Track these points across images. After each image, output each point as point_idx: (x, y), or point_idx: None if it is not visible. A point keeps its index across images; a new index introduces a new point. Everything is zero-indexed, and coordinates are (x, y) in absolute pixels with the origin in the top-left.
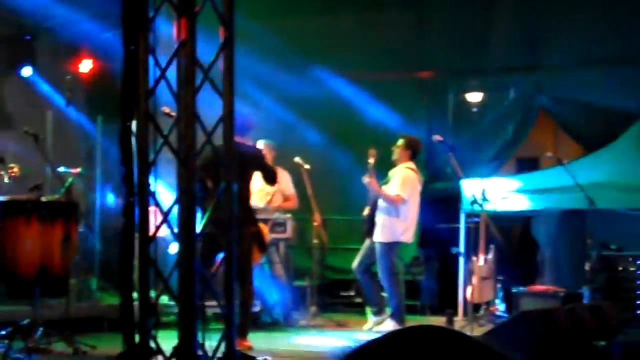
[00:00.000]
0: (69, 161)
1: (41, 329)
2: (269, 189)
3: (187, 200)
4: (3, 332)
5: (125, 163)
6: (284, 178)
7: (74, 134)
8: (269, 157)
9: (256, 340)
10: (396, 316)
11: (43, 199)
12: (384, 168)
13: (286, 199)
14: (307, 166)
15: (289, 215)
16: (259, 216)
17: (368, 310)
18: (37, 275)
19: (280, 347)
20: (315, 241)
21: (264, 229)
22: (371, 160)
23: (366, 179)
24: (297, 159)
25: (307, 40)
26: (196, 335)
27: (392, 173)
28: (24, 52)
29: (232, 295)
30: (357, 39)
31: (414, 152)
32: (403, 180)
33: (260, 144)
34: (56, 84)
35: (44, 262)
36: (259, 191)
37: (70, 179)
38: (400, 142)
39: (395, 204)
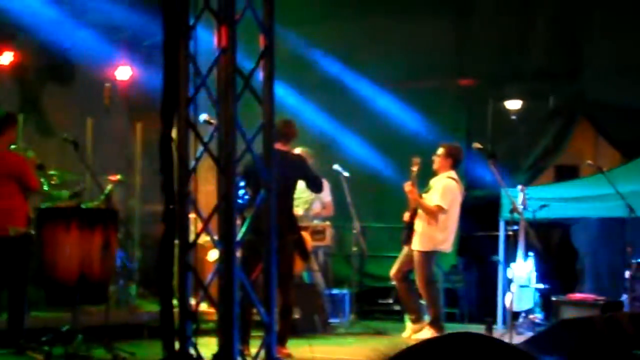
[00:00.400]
0: (109, 168)
1: (80, 335)
2: (307, 196)
3: (227, 208)
4: (43, 339)
5: (165, 170)
6: (323, 186)
7: (114, 141)
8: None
9: (295, 348)
10: (434, 324)
11: (83, 206)
12: (423, 176)
13: (323, 206)
14: (346, 174)
15: (327, 223)
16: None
17: (406, 318)
18: (76, 282)
19: (318, 355)
20: (354, 249)
21: (307, 237)
22: (414, 169)
23: (407, 186)
24: (336, 167)
25: (346, 48)
26: (236, 342)
27: (433, 182)
28: (64, 61)
29: (272, 302)
30: (396, 47)
31: (455, 160)
32: (444, 190)
33: (298, 151)
34: (96, 92)
35: (84, 269)
36: (298, 199)
37: (109, 186)
38: (441, 150)
39: (434, 214)
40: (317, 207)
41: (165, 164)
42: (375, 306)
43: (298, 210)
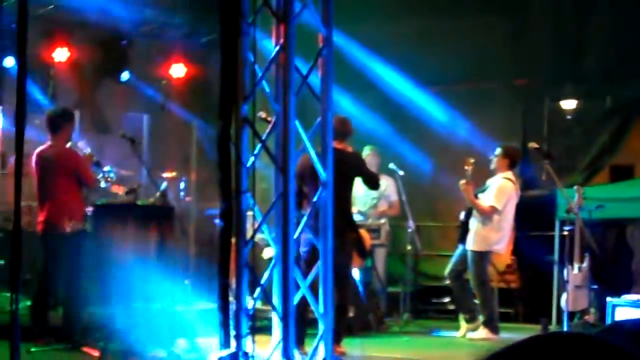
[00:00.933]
0: (165, 165)
1: (135, 332)
2: (374, 194)
3: (284, 205)
4: (98, 335)
5: (223, 167)
6: (389, 185)
7: (170, 138)
8: (374, 163)
9: (349, 346)
10: (489, 324)
11: (139, 202)
12: (478, 177)
13: (390, 205)
14: (401, 172)
15: (383, 221)
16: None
17: (461, 317)
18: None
19: (373, 353)
20: (408, 247)
21: (365, 235)
22: (467, 168)
23: (462, 185)
24: (391, 165)
25: (401, 49)
26: (292, 340)
27: (490, 182)
28: (120, 58)
29: (328, 301)
30: (452, 47)
31: (512, 161)
32: (499, 191)
33: (367, 150)
34: (151, 89)
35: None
36: (364, 196)
37: (165, 183)
38: (499, 151)
39: (488, 214)
40: (383, 206)
41: (223, 161)
42: (429, 305)
43: (363, 208)
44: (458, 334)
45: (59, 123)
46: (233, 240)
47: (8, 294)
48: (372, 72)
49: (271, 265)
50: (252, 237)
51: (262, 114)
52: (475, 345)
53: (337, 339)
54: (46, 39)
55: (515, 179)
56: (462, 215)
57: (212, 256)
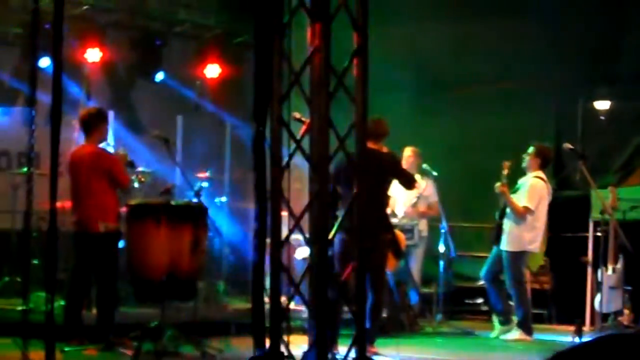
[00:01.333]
0: (198, 165)
1: (169, 331)
2: (413, 195)
3: (319, 206)
4: (132, 334)
5: (258, 168)
6: (428, 186)
7: (203, 138)
8: (415, 164)
9: (383, 346)
10: (523, 325)
11: (172, 202)
12: (513, 176)
13: (429, 206)
14: (434, 173)
15: (416, 222)
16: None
17: (494, 318)
18: (166, 279)
19: (406, 354)
20: (442, 248)
21: (400, 235)
22: (505, 172)
23: (499, 188)
24: (425, 166)
25: (439, 47)
26: (327, 340)
27: (522, 182)
28: (154, 58)
29: (363, 301)
30: (487, 48)
31: (544, 160)
32: (531, 191)
33: (408, 151)
34: (185, 89)
35: (173, 265)
36: (404, 197)
37: (199, 183)
38: (531, 150)
39: (522, 215)
40: (422, 207)
41: (258, 162)
42: (463, 306)
43: (402, 209)
44: (492, 335)
45: (93, 123)
46: (268, 240)
47: (42, 294)
48: (405, 72)
49: (305, 265)
50: (287, 237)
51: (297, 115)
52: (508, 347)
53: (370, 339)
54: (81, 39)
55: (546, 178)
56: (496, 216)
57: (246, 256)
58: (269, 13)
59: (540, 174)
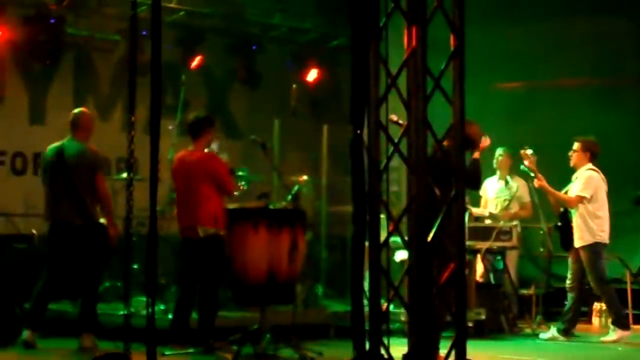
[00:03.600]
0: (296, 169)
1: (268, 335)
2: (506, 196)
3: (417, 208)
4: (232, 338)
5: (356, 171)
6: (521, 186)
7: (300, 142)
8: (506, 165)
9: (481, 348)
10: (618, 322)
11: (270, 206)
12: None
13: (522, 207)
14: (532, 174)
15: (515, 223)
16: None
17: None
18: (265, 282)
19: (505, 356)
20: (540, 249)
21: None
22: (527, 163)
23: (537, 183)
24: (523, 167)
25: (530, 44)
26: (426, 342)
27: (575, 177)
28: (250, 62)
29: (463, 303)
30: (576, 46)
31: (592, 153)
32: (586, 181)
33: (499, 151)
34: (282, 93)
35: (272, 269)
36: (496, 198)
37: (297, 187)
38: (577, 145)
39: (574, 203)
40: (515, 208)
41: (356, 165)
42: (562, 307)
43: (496, 211)
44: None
45: (199, 128)
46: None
47: (142, 298)
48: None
49: (404, 268)
50: (386, 240)
51: (394, 117)
52: (609, 348)
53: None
54: (177, 45)
55: (598, 169)
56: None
57: (344, 260)
58: (366, 16)
59: (591, 166)
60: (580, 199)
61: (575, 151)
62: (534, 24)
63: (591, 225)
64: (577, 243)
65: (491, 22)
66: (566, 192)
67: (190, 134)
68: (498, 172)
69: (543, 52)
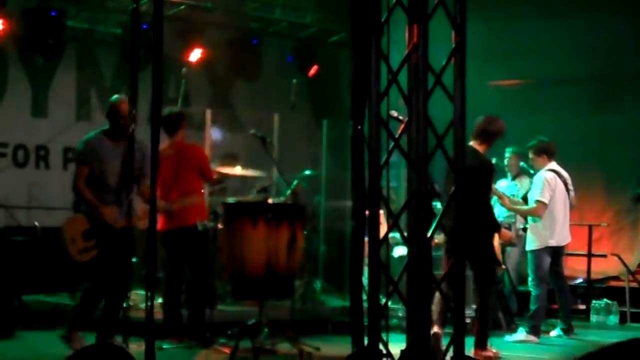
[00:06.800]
0: (295, 164)
1: (266, 329)
2: (519, 195)
3: (417, 204)
4: (230, 332)
5: (356, 166)
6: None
7: (300, 137)
8: (515, 164)
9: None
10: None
11: (269, 201)
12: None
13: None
14: (531, 171)
15: (513, 220)
16: None
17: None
18: (263, 277)
19: (504, 353)
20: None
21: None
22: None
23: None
24: (522, 164)
25: (531, 43)
26: (425, 339)
27: (535, 180)
28: (250, 57)
29: (462, 300)
30: (578, 46)
31: (548, 153)
32: (543, 185)
33: (508, 152)
34: (282, 88)
35: (270, 263)
36: (514, 196)
37: (296, 182)
38: (530, 153)
39: (541, 212)
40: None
41: (356, 161)
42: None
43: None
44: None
45: (177, 122)
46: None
47: (141, 291)
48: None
49: (403, 264)
50: (385, 236)
51: (394, 113)
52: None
53: (479, 342)
54: (178, 39)
55: (559, 169)
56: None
57: (342, 255)
58: (366, 12)
59: (553, 165)
60: (544, 205)
61: (531, 159)
62: (533, 22)
63: (540, 229)
64: (528, 246)
65: (490, 19)
66: (525, 196)
67: (165, 129)
68: (509, 173)
69: (542, 50)
